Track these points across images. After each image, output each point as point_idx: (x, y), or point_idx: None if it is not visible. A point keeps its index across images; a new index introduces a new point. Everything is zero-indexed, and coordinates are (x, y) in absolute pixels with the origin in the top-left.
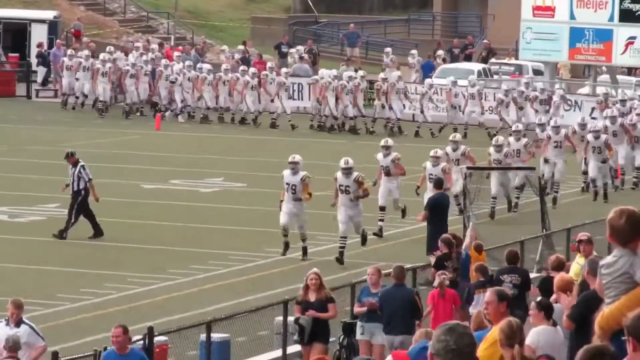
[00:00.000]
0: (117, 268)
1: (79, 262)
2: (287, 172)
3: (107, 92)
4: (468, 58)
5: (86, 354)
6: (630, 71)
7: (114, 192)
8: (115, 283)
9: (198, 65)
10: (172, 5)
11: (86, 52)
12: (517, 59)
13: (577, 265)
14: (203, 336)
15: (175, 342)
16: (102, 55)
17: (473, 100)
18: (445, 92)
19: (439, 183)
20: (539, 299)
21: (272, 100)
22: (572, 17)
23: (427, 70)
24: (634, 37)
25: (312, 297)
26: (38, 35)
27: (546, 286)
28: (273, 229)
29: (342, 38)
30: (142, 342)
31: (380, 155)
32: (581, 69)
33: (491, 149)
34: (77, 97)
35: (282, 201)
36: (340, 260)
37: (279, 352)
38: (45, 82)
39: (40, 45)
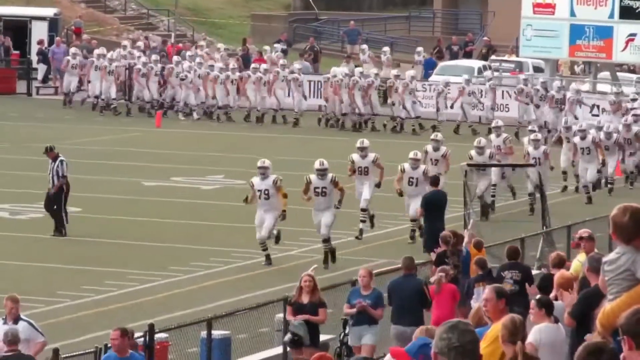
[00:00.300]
0: (117, 265)
1: (80, 259)
2: (256, 179)
3: (114, 91)
4: (468, 55)
5: (87, 351)
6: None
7: (115, 189)
8: (116, 280)
9: (209, 63)
10: (172, 2)
11: (98, 51)
12: (517, 56)
13: (578, 262)
14: (204, 333)
15: (176, 339)
16: (110, 54)
17: (487, 96)
18: (458, 90)
19: (435, 180)
20: (538, 297)
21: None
22: (572, 14)
23: (428, 67)
24: (634, 34)
25: (305, 299)
26: (38, 32)
27: (546, 284)
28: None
29: (342, 35)
30: (142, 339)
31: (356, 156)
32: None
33: (472, 152)
34: (96, 97)
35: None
36: (333, 260)
37: (279, 349)
38: (45, 79)
39: (40, 42)
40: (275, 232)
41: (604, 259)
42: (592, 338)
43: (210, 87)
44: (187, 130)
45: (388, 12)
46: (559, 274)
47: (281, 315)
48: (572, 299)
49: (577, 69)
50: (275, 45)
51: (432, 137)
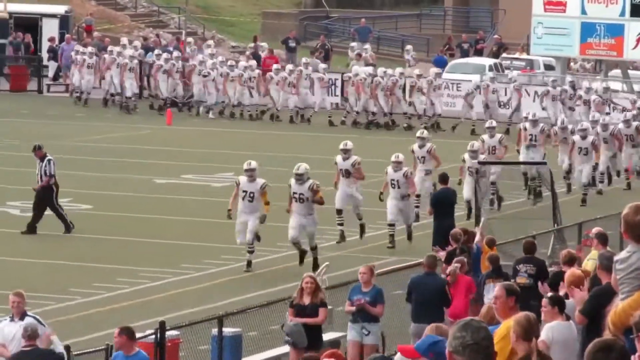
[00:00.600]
0: (129, 263)
1: (91, 256)
2: (243, 179)
3: (135, 88)
4: (479, 53)
5: (98, 348)
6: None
7: (126, 186)
8: (127, 277)
9: (229, 62)
10: (183, 0)
11: (118, 48)
12: (528, 53)
13: (591, 261)
14: (215, 330)
15: (187, 337)
16: (129, 52)
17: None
18: (483, 90)
19: (444, 178)
20: (550, 294)
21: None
22: (583, 12)
23: (439, 65)
24: None
25: (306, 300)
26: (49, 30)
27: (557, 281)
28: (284, 224)
29: (353, 33)
30: (153, 336)
31: (339, 158)
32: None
33: (466, 155)
34: (113, 95)
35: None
36: (315, 265)
37: (289, 347)
38: (56, 76)
39: (51, 40)
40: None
41: (616, 258)
42: (604, 336)
43: (231, 86)
44: (198, 128)
45: (399, 10)
46: (570, 272)
47: None
48: (582, 297)
49: (587, 65)
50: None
51: (418, 134)
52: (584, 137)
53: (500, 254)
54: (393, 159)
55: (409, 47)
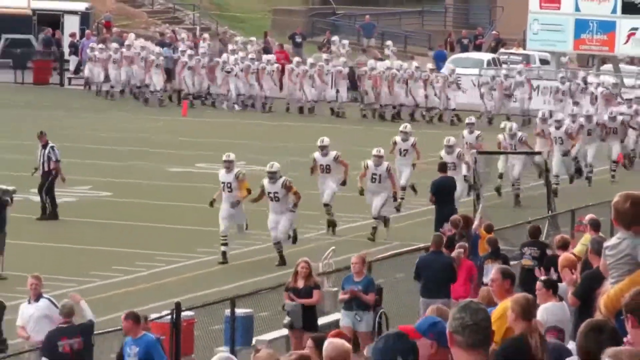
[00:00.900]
0: (146, 247)
1: (110, 241)
2: (221, 172)
3: (161, 82)
4: (478, 48)
5: (117, 328)
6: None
7: (143, 174)
8: (144, 261)
9: (250, 57)
10: None
11: (141, 43)
12: (524, 49)
13: (582, 246)
14: (228, 311)
15: (202, 317)
16: (156, 48)
17: (522, 87)
18: (497, 84)
19: (442, 167)
20: (543, 278)
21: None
22: (577, 9)
23: (439, 59)
24: (635, 28)
25: (300, 283)
26: (70, 26)
27: (550, 265)
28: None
29: (358, 29)
30: (169, 317)
31: (317, 154)
32: (585, 59)
33: (442, 152)
34: (138, 87)
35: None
36: (282, 262)
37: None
38: (77, 70)
39: (72, 35)
40: (244, 224)
41: (605, 244)
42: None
43: (253, 79)
44: (212, 119)
45: (402, 7)
46: (563, 256)
47: None
48: (573, 279)
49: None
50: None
51: (401, 128)
52: (558, 127)
53: (498, 239)
54: (374, 152)
55: (389, 42)
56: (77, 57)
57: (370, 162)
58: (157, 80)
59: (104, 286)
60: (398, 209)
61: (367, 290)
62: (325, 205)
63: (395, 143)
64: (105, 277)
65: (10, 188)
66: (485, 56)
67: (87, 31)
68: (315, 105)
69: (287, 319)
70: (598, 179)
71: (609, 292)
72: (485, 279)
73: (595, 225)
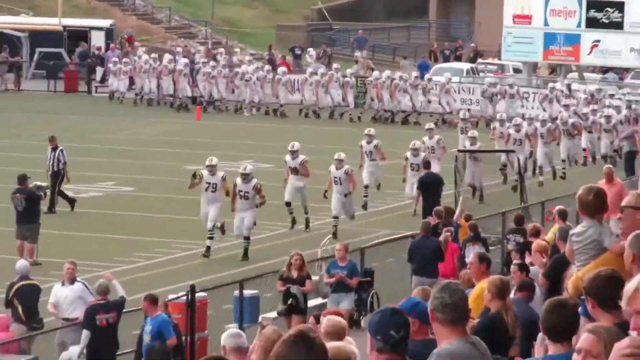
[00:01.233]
0: (164, 235)
1: (132, 230)
2: (205, 173)
3: (188, 90)
4: (458, 58)
5: (137, 307)
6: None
7: (161, 172)
8: (163, 248)
9: (266, 67)
10: (209, 14)
11: (169, 56)
12: (499, 59)
13: (552, 234)
14: (236, 292)
15: (214, 298)
16: (184, 60)
17: (512, 99)
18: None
19: (427, 164)
20: (516, 261)
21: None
22: (546, 24)
23: (423, 69)
24: (598, 41)
25: (294, 274)
26: (97, 40)
27: (524, 249)
28: (294, 202)
29: (352, 42)
30: (185, 297)
31: (288, 157)
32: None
33: (408, 154)
34: (171, 96)
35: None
36: (245, 257)
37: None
38: (102, 80)
39: (98, 49)
40: (218, 224)
41: (571, 232)
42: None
43: (269, 88)
44: (222, 122)
45: (391, 23)
46: (536, 242)
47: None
48: (543, 263)
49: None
50: (297, 51)
51: (366, 132)
52: (517, 130)
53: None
54: (336, 157)
55: (358, 53)
56: (103, 68)
57: (332, 167)
58: (184, 88)
59: (127, 270)
60: (365, 207)
61: (351, 274)
62: (287, 204)
63: (361, 146)
64: (128, 262)
65: (44, 184)
66: (465, 66)
67: (111, 45)
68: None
69: (280, 307)
70: (567, 174)
71: (577, 274)
72: (467, 258)
73: (562, 215)
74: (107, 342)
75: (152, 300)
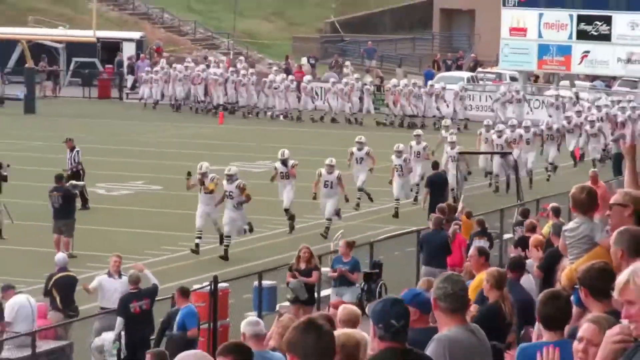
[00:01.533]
0: (189, 230)
1: (161, 226)
2: (224, 182)
3: (222, 97)
4: (459, 68)
5: (166, 297)
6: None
7: (186, 171)
8: (187, 242)
9: (290, 77)
10: (231, 27)
11: (202, 66)
12: (497, 68)
13: (548, 228)
14: (256, 283)
15: (235, 288)
16: (215, 70)
17: (519, 103)
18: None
19: (435, 165)
20: (512, 255)
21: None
22: (540, 36)
23: (428, 77)
24: (587, 51)
25: (302, 265)
26: (128, 50)
27: (521, 244)
28: (306, 200)
29: (362, 52)
30: (209, 287)
31: (278, 164)
32: (547, 76)
33: (393, 156)
34: (199, 102)
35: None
36: (225, 257)
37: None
38: (133, 87)
39: (129, 58)
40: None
41: (564, 227)
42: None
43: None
44: (243, 127)
45: (397, 35)
46: (533, 237)
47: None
48: (538, 256)
49: (541, 79)
50: (304, 60)
51: (357, 139)
52: (499, 136)
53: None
54: (327, 162)
55: (347, 62)
56: (133, 76)
57: (323, 171)
58: (217, 95)
59: (155, 262)
60: (357, 208)
61: (353, 269)
62: (286, 210)
63: (352, 153)
64: (156, 254)
65: (80, 183)
66: (465, 74)
67: (141, 55)
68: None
69: (290, 295)
70: (558, 173)
71: (571, 267)
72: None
73: (556, 212)
74: (141, 327)
75: (182, 292)
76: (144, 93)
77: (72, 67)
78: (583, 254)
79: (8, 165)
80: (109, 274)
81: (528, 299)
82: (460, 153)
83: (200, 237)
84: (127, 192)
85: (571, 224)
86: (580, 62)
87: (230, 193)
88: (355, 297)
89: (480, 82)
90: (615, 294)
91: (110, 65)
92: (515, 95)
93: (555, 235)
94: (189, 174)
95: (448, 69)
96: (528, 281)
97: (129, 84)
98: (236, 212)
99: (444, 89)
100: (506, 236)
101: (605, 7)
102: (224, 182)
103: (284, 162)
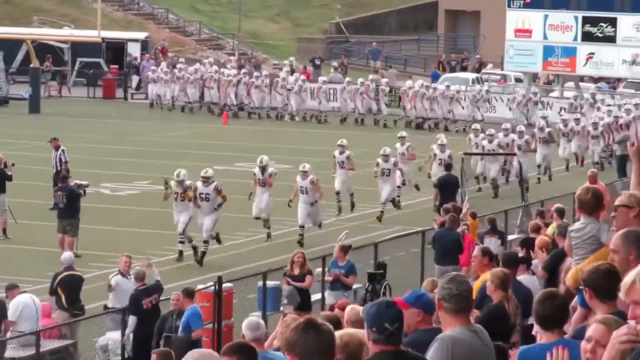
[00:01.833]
0: (193, 230)
1: (165, 225)
2: (199, 184)
3: (234, 99)
4: (464, 69)
5: (169, 297)
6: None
7: (191, 171)
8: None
9: (302, 77)
10: (236, 28)
11: (215, 67)
12: (502, 69)
13: (552, 229)
14: (260, 283)
15: (239, 288)
16: (229, 72)
17: (535, 105)
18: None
19: (448, 167)
20: (521, 254)
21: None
22: (545, 37)
23: (434, 78)
24: (592, 53)
25: (296, 271)
26: (133, 51)
27: (526, 244)
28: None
29: (367, 53)
30: (213, 287)
31: (257, 170)
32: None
33: (379, 160)
34: (214, 104)
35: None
36: (200, 262)
37: (317, 296)
38: (138, 87)
39: (134, 59)
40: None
41: (570, 228)
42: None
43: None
44: (246, 127)
45: (402, 36)
46: (539, 238)
47: (319, 269)
48: (543, 257)
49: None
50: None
51: (339, 142)
52: (490, 141)
53: (481, 223)
54: (300, 168)
55: (335, 63)
56: (138, 77)
57: (298, 177)
58: (231, 96)
59: (160, 262)
60: (339, 212)
61: (348, 273)
62: (265, 219)
63: (334, 156)
64: (159, 255)
65: (84, 183)
66: (470, 75)
67: (146, 55)
68: (365, 117)
69: (284, 300)
70: (558, 177)
71: (577, 267)
72: None
73: (560, 213)
74: (152, 322)
75: (186, 293)
76: (152, 93)
77: (77, 67)
78: (589, 254)
79: (13, 164)
80: (122, 274)
81: (528, 295)
82: (465, 154)
83: (183, 242)
84: (133, 192)
85: (577, 225)
86: (585, 63)
87: (207, 195)
88: (350, 299)
89: (485, 84)
90: (621, 295)
91: (115, 66)
92: (533, 98)
93: (561, 236)
94: (167, 182)
95: (452, 70)
96: (532, 281)
97: (134, 84)
98: (210, 215)
99: (459, 92)
100: (510, 237)
101: (610, 9)
102: (199, 183)
103: (263, 169)
